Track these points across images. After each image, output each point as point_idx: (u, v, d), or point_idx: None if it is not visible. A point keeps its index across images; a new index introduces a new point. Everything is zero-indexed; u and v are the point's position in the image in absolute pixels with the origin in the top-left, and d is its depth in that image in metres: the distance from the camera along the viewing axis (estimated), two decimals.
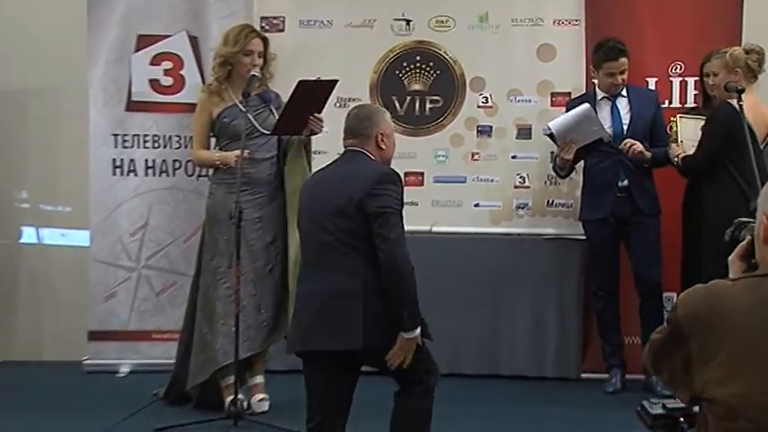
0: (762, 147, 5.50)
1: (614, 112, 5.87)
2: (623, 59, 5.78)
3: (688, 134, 5.67)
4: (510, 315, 6.27)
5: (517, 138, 6.26)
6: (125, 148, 6.34)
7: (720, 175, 5.49)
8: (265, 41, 5.47)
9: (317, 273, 3.98)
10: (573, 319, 6.23)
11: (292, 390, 5.53)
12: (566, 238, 6.20)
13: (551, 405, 5.71)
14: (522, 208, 6.26)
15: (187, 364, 5.40)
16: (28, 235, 6.89)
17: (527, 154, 6.24)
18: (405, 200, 4.03)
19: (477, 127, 6.29)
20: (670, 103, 6.09)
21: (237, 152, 5.20)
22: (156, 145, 6.34)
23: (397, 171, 4.10)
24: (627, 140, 5.74)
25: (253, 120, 5.32)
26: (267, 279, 5.36)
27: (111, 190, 6.33)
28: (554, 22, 6.22)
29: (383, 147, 4.10)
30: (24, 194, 6.93)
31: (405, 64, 6.34)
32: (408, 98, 6.31)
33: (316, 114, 5.24)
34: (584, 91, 6.03)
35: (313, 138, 5.42)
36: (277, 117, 5.31)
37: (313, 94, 5.21)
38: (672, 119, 5.80)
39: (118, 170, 6.33)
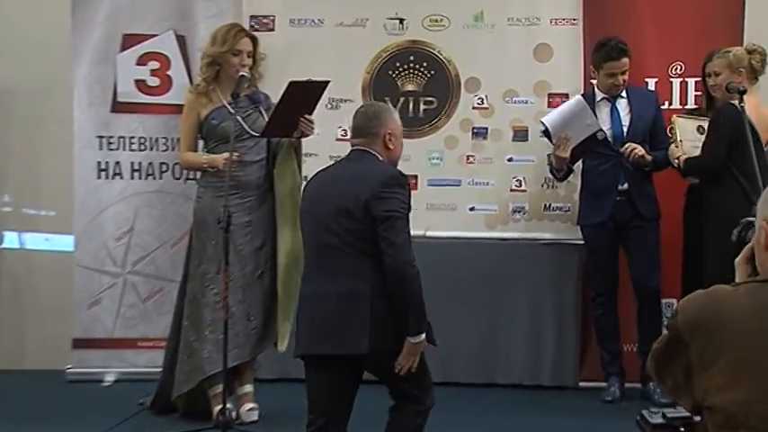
0: (765, 148, 5.51)
1: (614, 113, 5.87)
2: (625, 59, 5.79)
3: (686, 135, 5.68)
4: (506, 322, 6.27)
5: (513, 140, 6.27)
6: (110, 150, 6.33)
7: (724, 177, 5.50)
8: (255, 41, 5.47)
9: (322, 274, 4.00)
10: (570, 326, 6.23)
11: (282, 399, 5.55)
12: (563, 243, 6.20)
13: (548, 414, 5.71)
14: (519, 212, 6.26)
15: (174, 373, 5.39)
16: (10, 240, 6.88)
17: (523, 157, 6.25)
18: None
19: (473, 129, 6.29)
20: (670, 104, 6.10)
21: (226, 155, 5.20)
22: (142, 147, 6.34)
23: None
24: (628, 145, 5.75)
25: (242, 122, 5.31)
26: (256, 285, 5.36)
27: (96, 193, 6.32)
28: (551, 21, 6.23)
29: (391, 146, 4.11)
30: (6, 198, 6.92)
31: (398, 64, 6.34)
32: (402, 99, 6.31)
33: (306, 116, 5.24)
34: (582, 92, 6.03)
35: (303, 140, 5.42)
36: (267, 119, 5.31)
37: (304, 95, 5.21)
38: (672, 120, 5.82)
39: (103, 173, 6.32)
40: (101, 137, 6.33)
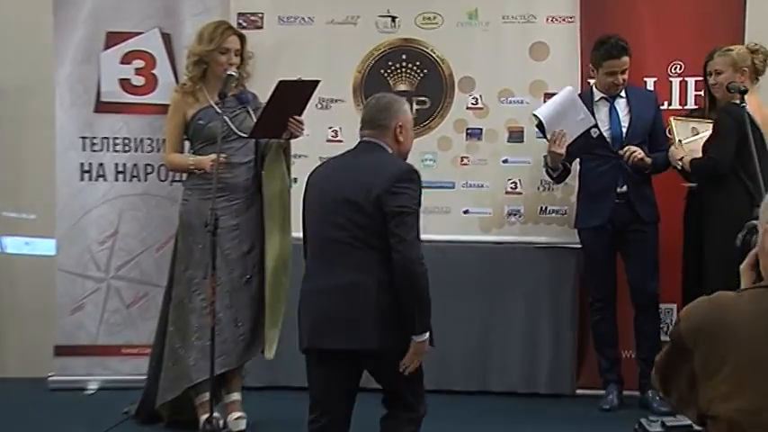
0: None
1: (613, 113, 5.87)
2: (625, 58, 5.78)
3: (683, 137, 5.68)
4: (501, 328, 6.27)
5: (509, 141, 6.27)
6: (94, 151, 6.31)
7: (728, 179, 5.46)
8: (242, 39, 5.45)
9: (328, 268, 4.00)
10: (567, 332, 6.23)
11: (270, 407, 5.54)
12: (560, 247, 6.20)
13: (545, 423, 5.71)
14: (514, 215, 6.26)
15: (159, 381, 5.37)
16: None
17: (519, 158, 6.25)
18: None
19: (467, 129, 6.29)
20: (670, 104, 6.10)
21: (213, 156, 5.18)
22: (126, 148, 6.32)
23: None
24: (627, 147, 5.74)
25: (229, 122, 5.29)
26: (244, 290, 5.34)
27: (79, 196, 6.30)
28: (547, 19, 6.23)
29: (401, 139, 4.12)
30: None
31: (390, 63, 6.34)
32: None
33: (296, 117, 5.23)
34: (579, 91, 6.02)
35: (293, 141, 5.40)
36: (255, 119, 5.29)
37: (293, 95, 5.19)
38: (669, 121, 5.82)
39: (86, 175, 6.31)
40: (84, 138, 6.31)
